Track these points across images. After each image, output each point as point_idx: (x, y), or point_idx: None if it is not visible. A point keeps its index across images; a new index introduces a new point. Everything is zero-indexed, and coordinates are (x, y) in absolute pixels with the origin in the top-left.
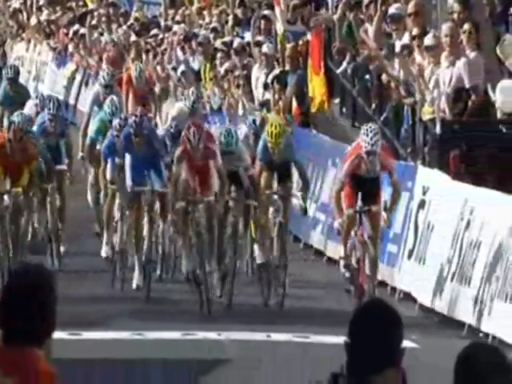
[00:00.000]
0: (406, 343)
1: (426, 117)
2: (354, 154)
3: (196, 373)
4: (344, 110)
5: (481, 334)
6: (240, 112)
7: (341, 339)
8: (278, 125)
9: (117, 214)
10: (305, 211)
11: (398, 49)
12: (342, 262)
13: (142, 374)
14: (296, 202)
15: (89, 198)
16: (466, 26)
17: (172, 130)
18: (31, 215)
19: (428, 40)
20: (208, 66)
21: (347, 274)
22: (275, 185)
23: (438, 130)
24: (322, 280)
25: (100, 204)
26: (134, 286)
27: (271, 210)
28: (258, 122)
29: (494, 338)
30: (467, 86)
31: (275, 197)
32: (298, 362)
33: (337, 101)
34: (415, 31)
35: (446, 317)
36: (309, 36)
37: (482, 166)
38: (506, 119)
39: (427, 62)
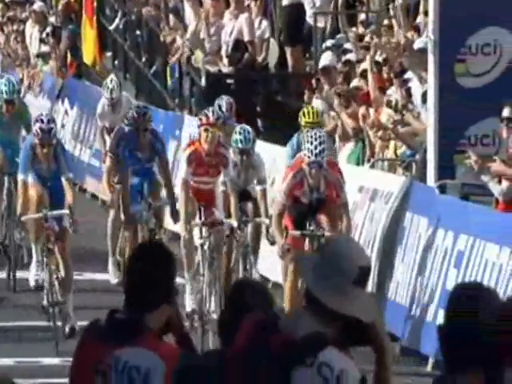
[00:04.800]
0: (179, 280)
1: (199, 64)
2: (294, 168)
3: None
4: (116, 62)
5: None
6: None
7: None
8: (316, 114)
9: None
10: None
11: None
12: None
13: None
14: None
15: None
16: None
17: None
18: None
19: None
20: None
21: None
22: None
23: (203, 82)
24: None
25: None
26: None
27: None
28: (224, 108)
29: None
30: (246, 39)
31: None
32: None
33: (109, 54)
34: None
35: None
36: None
37: (246, 115)
38: (269, 74)
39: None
